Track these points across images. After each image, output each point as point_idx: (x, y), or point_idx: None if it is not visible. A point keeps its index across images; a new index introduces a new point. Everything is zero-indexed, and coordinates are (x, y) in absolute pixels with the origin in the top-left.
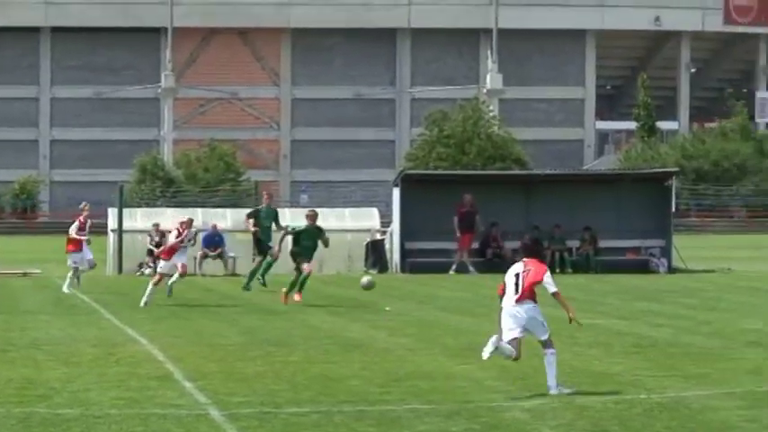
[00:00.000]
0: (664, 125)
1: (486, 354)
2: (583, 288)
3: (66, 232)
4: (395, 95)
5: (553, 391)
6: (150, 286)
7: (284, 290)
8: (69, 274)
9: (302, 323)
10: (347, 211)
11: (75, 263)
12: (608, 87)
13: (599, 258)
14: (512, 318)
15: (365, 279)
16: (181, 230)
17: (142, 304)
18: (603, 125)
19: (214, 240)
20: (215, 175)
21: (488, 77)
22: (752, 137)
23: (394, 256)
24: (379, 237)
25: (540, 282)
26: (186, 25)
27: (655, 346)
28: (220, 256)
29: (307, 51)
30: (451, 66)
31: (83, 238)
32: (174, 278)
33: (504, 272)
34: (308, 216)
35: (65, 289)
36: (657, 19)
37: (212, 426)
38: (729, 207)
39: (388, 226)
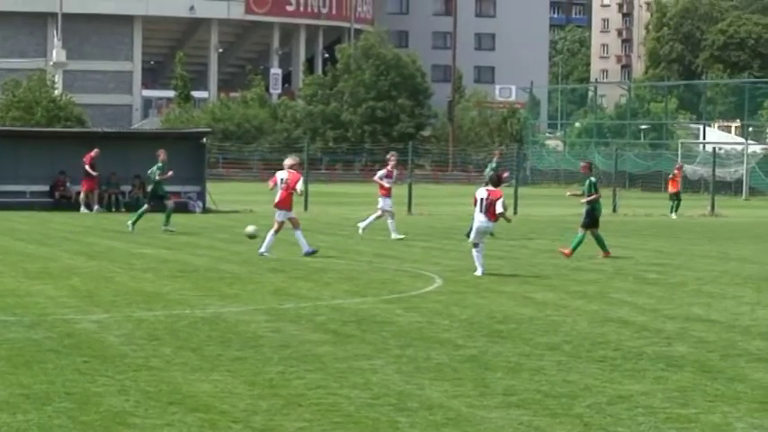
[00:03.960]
0: (197, 94)
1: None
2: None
3: None
4: None
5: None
6: None
7: None
8: None
9: None
10: None
11: None
12: (152, 62)
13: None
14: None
15: (250, 228)
16: None
17: None
18: (148, 93)
19: None
20: None
21: (54, 52)
22: (267, 104)
23: None
24: None
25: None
26: None
27: (196, 272)
28: None
29: None
30: (24, 41)
31: None
32: None
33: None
34: None
35: None
36: (192, 8)
37: None
38: (249, 161)
39: None
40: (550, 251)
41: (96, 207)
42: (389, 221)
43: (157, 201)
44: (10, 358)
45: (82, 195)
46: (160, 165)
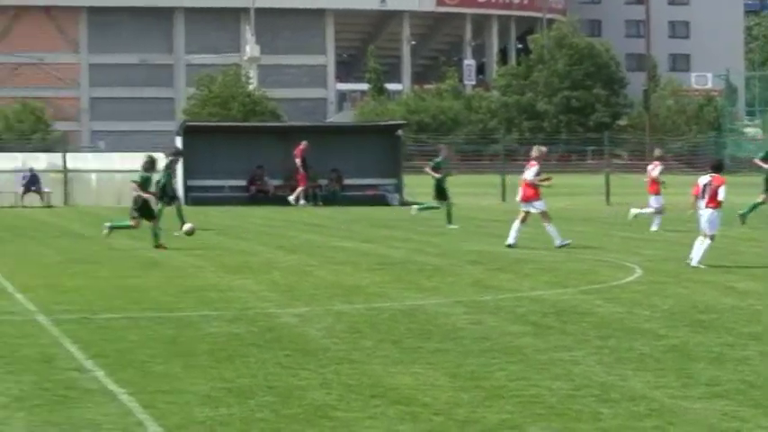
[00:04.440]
0: (391, 87)
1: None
2: (331, 217)
3: None
4: (172, 61)
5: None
6: None
7: None
8: None
9: (107, 246)
10: (140, 155)
11: None
12: (345, 56)
13: (344, 194)
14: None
15: (187, 226)
16: None
17: None
18: (342, 86)
19: (32, 179)
20: (27, 125)
21: (248, 47)
22: (461, 96)
23: (179, 191)
24: None
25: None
26: (1, 3)
27: (394, 264)
28: (38, 191)
29: (100, 26)
30: (217, 37)
31: None
32: None
33: (268, 205)
34: None
35: None
36: (383, 1)
37: (41, 329)
38: None
39: None
40: (752, 240)
41: (302, 202)
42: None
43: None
44: (212, 352)
45: (299, 189)
46: (439, 160)
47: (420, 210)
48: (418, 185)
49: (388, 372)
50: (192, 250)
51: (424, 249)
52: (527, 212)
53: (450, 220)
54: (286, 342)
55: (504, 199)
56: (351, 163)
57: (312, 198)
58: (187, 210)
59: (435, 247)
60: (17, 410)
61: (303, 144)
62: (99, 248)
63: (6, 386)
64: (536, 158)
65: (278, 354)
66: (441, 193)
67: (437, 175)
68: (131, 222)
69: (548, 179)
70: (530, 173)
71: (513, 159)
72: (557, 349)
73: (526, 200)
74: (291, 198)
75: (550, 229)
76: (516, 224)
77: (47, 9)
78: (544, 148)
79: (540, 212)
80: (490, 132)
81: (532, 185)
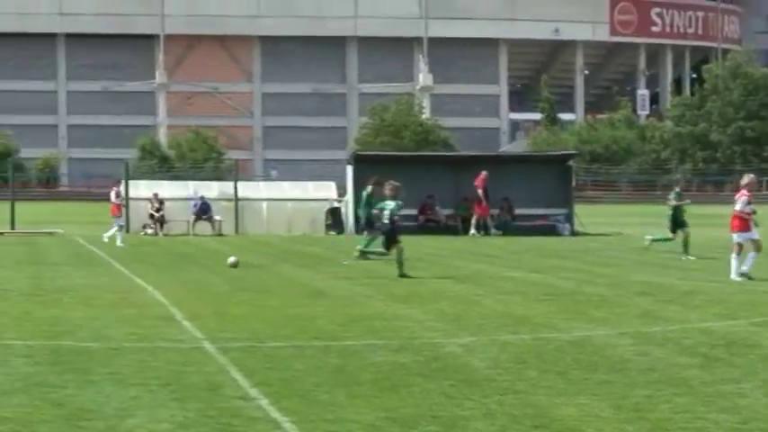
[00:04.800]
0: (563, 116)
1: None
2: (503, 248)
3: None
4: (345, 90)
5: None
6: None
7: None
8: (114, 230)
9: (276, 275)
10: (310, 183)
11: (118, 223)
12: (518, 85)
13: (515, 224)
14: None
15: (232, 258)
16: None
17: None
18: (515, 116)
19: (203, 207)
20: (200, 154)
21: (421, 76)
22: (635, 126)
23: (349, 220)
24: (336, 205)
25: None
26: (175, 33)
27: (563, 295)
28: (209, 219)
29: (273, 54)
30: (391, 66)
31: (121, 203)
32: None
33: (439, 234)
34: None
35: (119, 243)
36: (557, 30)
37: (207, 356)
38: (618, 182)
39: (344, 196)
40: None
41: (473, 232)
42: None
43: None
44: (376, 382)
45: (474, 219)
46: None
47: (654, 241)
48: (590, 215)
49: (553, 402)
50: (360, 279)
51: (594, 280)
52: (740, 244)
53: (686, 251)
54: (451, 372)
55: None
56: (521, 192)
57: (483, 227)
58: (355, 238)
59: (605, 277)
60: None
61: (483, 174)
62: (268, 277)
63: (171, 413)
64: (746, 186)
65: (442, 383)
66: (676, 223)
67: (675, 203)
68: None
69: (753, 212)
70: (739, 204)
71: (685, 190)
72: (724, 382)
73: (737, 230)
74: (472, 229)
75: (736, 260)
76: (733, 259)
77: (221, 38)
78: (752, 176)
79: (752, 241)
80: (663, 163)
81: (740, 216)
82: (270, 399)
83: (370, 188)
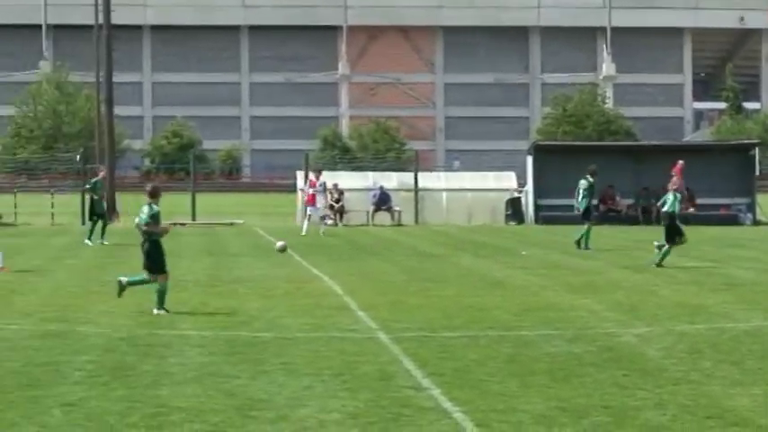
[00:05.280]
0: (748, 105)
1: None
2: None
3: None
4: (528, 80)
5: None
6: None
7: None
8: (306, 220)
9: (454, 265)
10: (491, 174)
11: (309, 212)
12: (702, 74)
13: (697, 214)
14: None
15: (280, 243)
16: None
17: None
18: (699, 105)
19: (382, 197)
20: (382, 145)
21: (604, 66)
22: None
23: (529, 210)
24: (516, 195)
25: None
26: (358, 24)
27: (741, 285)
28: (388, 210)
29: (456, 45)
30: (573, 56)
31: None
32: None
33: (619, 224)
34: None
35: (303, 232)
36: (742, 19)
37: (381, 346)
38: None
39: (524, 186)
40: None
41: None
42: None
43: None
44: (550, 372)
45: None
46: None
47: None
48: None
49: (727, 393)
50: (537, 269)
51: None
52: None
53: None
54: (624, 362)
55: None
56: (703, 182)
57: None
58: (535, 228)
59: None
60: (351, 427)
61: (680, 163)
62: (445, 267)
63: (342, 403)
64: None
65: (615, 373)
66: None
67: None
68: None
69: None
70: None
71: None
72: None
73: None
74: None
75: None
76: None
77: (403, 29)
78: None
79: None
80: None
81: None
82: (441, 389)
83: (590, 177)
